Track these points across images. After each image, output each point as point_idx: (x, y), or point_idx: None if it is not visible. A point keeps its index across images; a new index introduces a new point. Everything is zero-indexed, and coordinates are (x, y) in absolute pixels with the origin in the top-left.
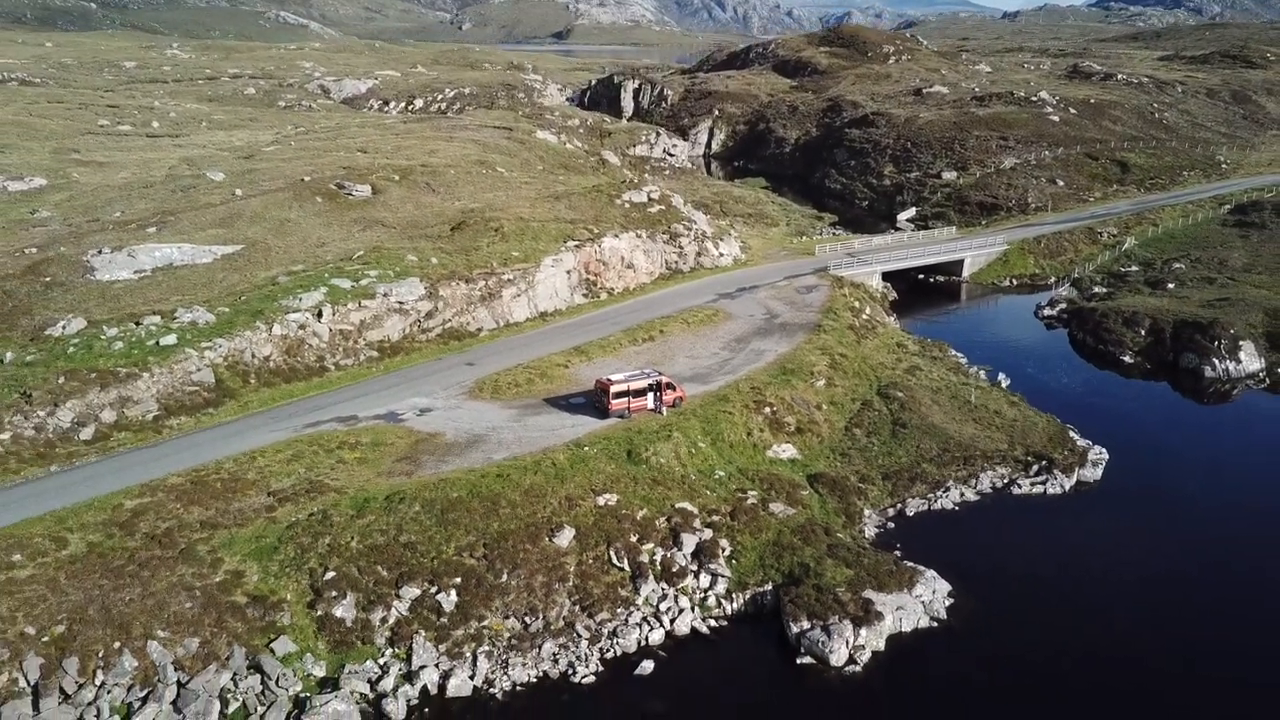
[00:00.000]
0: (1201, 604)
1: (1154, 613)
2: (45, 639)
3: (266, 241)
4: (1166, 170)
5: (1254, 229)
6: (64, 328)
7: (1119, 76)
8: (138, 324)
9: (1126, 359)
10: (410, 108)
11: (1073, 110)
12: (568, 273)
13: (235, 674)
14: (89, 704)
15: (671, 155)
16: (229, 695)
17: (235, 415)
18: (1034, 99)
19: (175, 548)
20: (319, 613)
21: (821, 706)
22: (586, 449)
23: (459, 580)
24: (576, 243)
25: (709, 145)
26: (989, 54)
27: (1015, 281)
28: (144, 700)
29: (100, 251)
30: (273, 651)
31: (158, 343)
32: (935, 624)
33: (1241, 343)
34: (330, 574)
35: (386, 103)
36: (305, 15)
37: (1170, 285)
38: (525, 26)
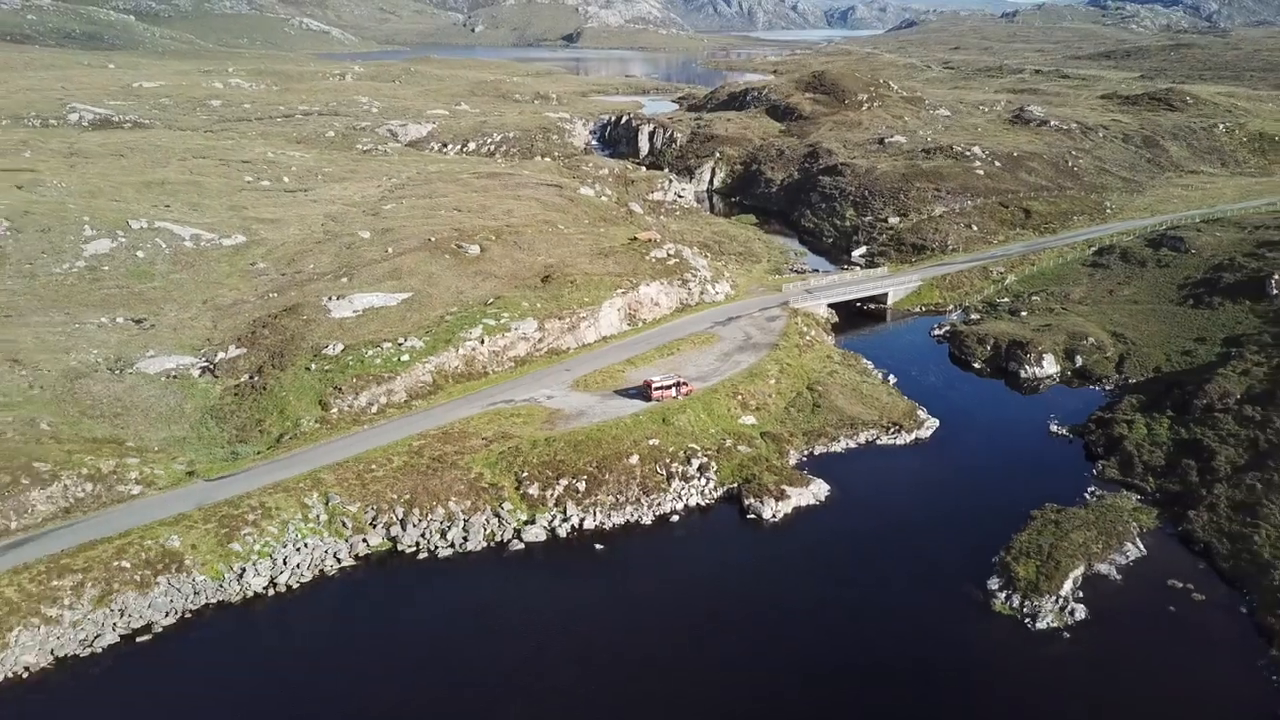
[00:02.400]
0: (963, 500)
1: (942, 502)
2: (401, 501)
3: (426, 290)
4: (1060, 216)
5: (1100, 269)
6: (333, 348)
7: (1052, 123)
8: (380, 347)
9: (977, 366)
10: (465, 150)
11: (997, 164)
12: (618, 310)
13: (486, 518)
14: (425, 528)
15: (681, 197)
16: (484, 528)
17: (446, 400)
18: (967, 154)
19: (447, 463)
20: (521, 491)
21: (758, 536)
22: (641, 417)
23: (585, 477)
24: (623, 290)
25: (711, 182)
26: (968, 76)
27: (924, 309)
28: (449, 527)
29: (331, 298)
30: (503, 508)
31: (399, 359)
32: (818, 503)
33: (1045, 355)
34: (525, 474)
35: (445, 145)
36: (324, 21)
37: (1023, 314)
38: (536, 29)
